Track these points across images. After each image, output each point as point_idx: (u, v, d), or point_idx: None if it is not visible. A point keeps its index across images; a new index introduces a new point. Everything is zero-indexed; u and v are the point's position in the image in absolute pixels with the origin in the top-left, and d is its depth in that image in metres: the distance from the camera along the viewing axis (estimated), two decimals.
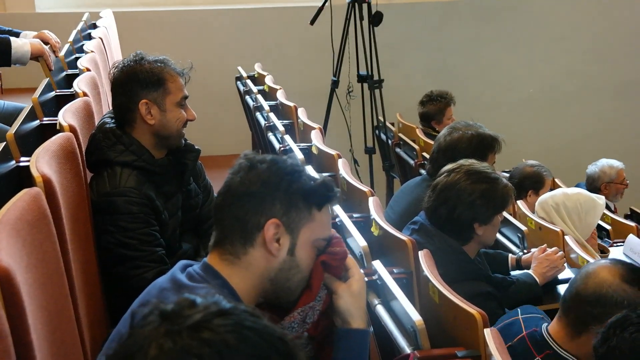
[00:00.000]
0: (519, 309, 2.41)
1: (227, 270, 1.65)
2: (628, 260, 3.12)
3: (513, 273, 3.15)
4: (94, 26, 5.40)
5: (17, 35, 3.69)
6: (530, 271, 3.06)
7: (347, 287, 1.73)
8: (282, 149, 3.57)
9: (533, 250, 3.20)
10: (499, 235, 3.40)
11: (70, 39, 4.54)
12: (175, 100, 2.60)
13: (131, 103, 2.58)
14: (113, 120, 2.62)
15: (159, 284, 1.68)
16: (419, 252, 2.30)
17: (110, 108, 3.74)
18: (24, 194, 1.64)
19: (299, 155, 3.22)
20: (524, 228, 3.42)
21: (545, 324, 2.29)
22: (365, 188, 2.81)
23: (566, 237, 3.45)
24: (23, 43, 3.61)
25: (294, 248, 1.67)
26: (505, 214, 3.24)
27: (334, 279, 1.73)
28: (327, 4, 5.45)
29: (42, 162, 1.92)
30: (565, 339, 2.21)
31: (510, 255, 3.26)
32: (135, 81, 2.57)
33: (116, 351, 1.02)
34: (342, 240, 1.77)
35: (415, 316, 1.88)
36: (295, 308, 1.70)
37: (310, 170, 1.76)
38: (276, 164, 1.67)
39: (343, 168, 3.09)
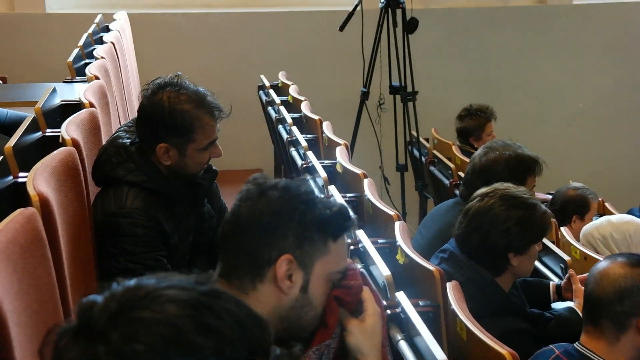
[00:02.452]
0: (552, 346, 2.41)
1: None
2: None
3: (554, 305, 3.11)
4: (107, 29, 5.46)
5: None
6: (574, 305, 3.01)
7: (358, 323, 1.71)
8: (304, 165, 3.58)
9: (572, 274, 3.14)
10: (539, 265, 3.36)
11: (81, 43, 4.60)
12: (199, 147, 2.56)
13: (151, 140, 2.57)
14: (127, 135, 2.63)
15: None
16: (447, 284, 2.29)
17: (121, 121, 3.79)
18: (17, 215, 1.66)
19: (322, 174, 3.23)
20: (567, 258, 3.37)
21: (576, 342, 2.36)
22: (391, 211, 2.80)
23: None
24: None
25: (307, 284, 1.66)
26: (546, 241, 3.21)
27: (346, 314, 1.71)
28: (357, 8, 5.45)
29: (40, 179, 1.94)
30: (606, 349, 2.30)
31: (551, 282, 3.22)
32: (161, 123, 2.53)
33: None
34: (358, 272, 1.76)
35: (440, 355, 1.86)
36: (310, 347, 1.69)
37: (322, 196, 1.74)
38: (289, 191, 1.65)
39: (369, 188, 3.09)
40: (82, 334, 0.95)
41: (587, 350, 2.30)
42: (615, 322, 2.29)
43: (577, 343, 2.34)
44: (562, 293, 3.13)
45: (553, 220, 2.78)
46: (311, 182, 1.73)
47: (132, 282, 1.02)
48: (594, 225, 3.91)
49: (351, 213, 1.71)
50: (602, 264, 2.38)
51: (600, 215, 4.53)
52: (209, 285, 1.03)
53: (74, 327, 0.97)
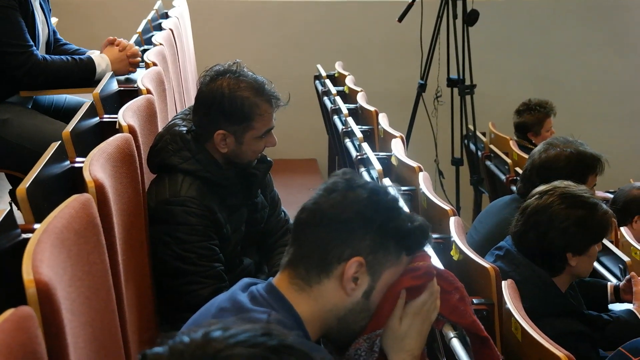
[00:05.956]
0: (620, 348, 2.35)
1: (294, 296, 1.62)
2: None
3: (612, 306, 3.05)
4: (166, 15, 5.49)
5: (83, 53, 3.70)
6: (633, 307, 2.95)
7: (396, 326, 1.68)
8: (359, 157, 3.56)
9: (634, 276, 3.08)
10: (596, 265, 3.30)
11: (140, 29, 4.62)
12: (257, 135, 2.56)
13: (209, 127, 2.56)
14: (184, 123, 2.64)
15: (217, 303, 1.67)
16: (503, 282, 2.25)
17: (178, 107, 3.79)
18: (72, 201, 1.66)
19: (377, 166, 3.20)
20: (626, 259, 3.32)
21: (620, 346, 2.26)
22: (446, 206, 2.76)
23: None
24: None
25: (371, 291, 1.64)
26: (605, 241, 3.14)
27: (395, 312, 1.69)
28: None
29: (96, 165, 1.94)
30: None
31: (609, 283, 3.16)
32: (220, 110, 2.52)
33: None
34: (426, 253, 1.72)
35: None
36: (362, 334, 1.67)
37: (407, 209, 1.72)
38: (377, 194, 1.64)
39: (424, 182, 3.05)
40: None
41: None
42: None
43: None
44: (621, 295, 3.07)
45: (613, 220, 2.70)
46: (396, 192, 1.70)
47: (199, 335, 0.97)
48: None
49: (430, 232, 1.69)
50: None
51: None
52: (277, 338, 0.99)
53: None
